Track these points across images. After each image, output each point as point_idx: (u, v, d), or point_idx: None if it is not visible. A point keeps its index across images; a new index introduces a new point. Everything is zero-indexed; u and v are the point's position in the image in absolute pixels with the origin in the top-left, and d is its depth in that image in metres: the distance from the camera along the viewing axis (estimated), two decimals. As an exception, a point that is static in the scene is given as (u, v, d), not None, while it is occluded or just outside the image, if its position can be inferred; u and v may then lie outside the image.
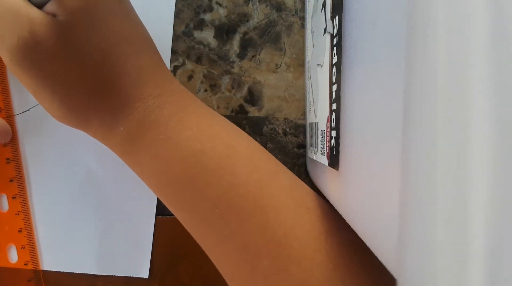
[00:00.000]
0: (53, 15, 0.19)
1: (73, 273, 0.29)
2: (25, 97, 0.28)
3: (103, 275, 0.29)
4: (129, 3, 0.23)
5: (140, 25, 0.23)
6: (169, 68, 0.29)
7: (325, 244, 0.21)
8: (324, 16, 0.21)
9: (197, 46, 0.30)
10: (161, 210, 0.29)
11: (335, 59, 0.18)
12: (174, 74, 0.29)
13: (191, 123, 0.22)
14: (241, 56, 0.30)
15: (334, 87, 0.19)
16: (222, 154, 0.21)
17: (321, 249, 0.21)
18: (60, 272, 0.29)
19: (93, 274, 0.29)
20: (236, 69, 0.30)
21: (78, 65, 0.20)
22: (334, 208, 0.24)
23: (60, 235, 0.29)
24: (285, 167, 0.25)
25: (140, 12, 0.24)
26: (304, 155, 0.31)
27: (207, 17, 0.30)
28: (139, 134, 0.22)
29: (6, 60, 0.20)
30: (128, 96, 0.21)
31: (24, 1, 0.19)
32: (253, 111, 0.30)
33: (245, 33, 0.30)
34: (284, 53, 0.30)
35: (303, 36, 0.30)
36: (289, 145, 0.31)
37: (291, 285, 0.20)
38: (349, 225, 0.22)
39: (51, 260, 0.29)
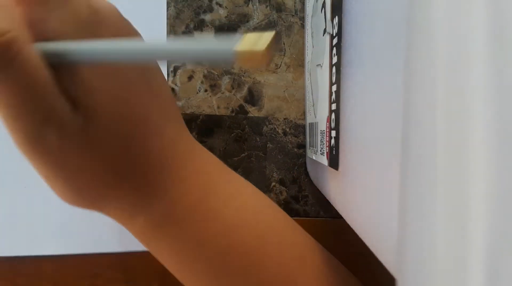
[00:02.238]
0: (74, 102, 0.16)
1: (75, 269, 0.29)
2: None
3: (103, 275, 0.29)
4: (154, 68, 0.20)
5: (164, 90, 0.20)
6: (167, 69, 0.29)
7: None
8: (324, 17, 0.21)
9: (197, 46, 0.30)
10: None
11: (334, 59, 0.18)
12: (174, 75, 0.29)
13: (217, 212, 0.20)
14: (241, 56, 0.30)
15: (334, 87, 0.19)
16: (251, 247, 0.20)
17: None
18: (61, 269, 0.29)
19: (93, 274, 0.29)
20: (236, 69, 0.30)
21: (98, 157, 0.17)
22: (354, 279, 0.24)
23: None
24: (309, 242, 0.24)
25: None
26: (304, 155, 0.31)
27: (207, 17, 0.30)
28: (161, 230, 0.20)
29: (19, 145, 0.17)
30: (150, 185, 0.19)
31: (53, 88, 0.15)
32: (253, 111, 0.30)
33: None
34: (284, 53, 0.30)
35: (303, 37, 0.30)
36: (289, 145, 0.31)
37: None
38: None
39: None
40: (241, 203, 0.21)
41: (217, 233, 0.20)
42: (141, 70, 0.18)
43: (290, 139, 0.31)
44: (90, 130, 0.17)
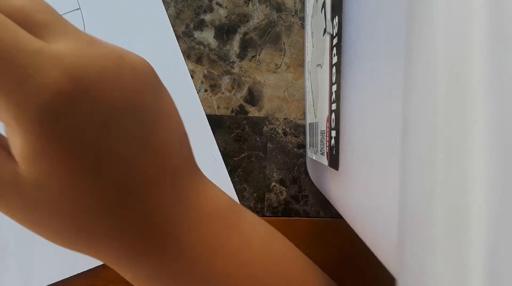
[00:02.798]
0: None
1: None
2: None
3: (103, 275, 0.29)
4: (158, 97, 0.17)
5: (172, 123, 0.18)
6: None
7: None
8: (324, 17, 0.21)
9: (197, 46, 0.30)
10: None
11: (335, 60, 0.18)
12: (174, 75, 0.29)
13: (219, 271, 0.18)
14: (241, 56, 0.30)
15: (334, 87, 0.19)
16: None
17: None
18: (60, 272, 0.29)
19: (93, 274, 0.29)
20: (236, 69, 0.30)
21: (93, 205, 0.15)
22: None
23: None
24: (326, 279, 0.22)
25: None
26: (304, 155, 0.31)
27: (207, 17, 0.30)
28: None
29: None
30: (151, 242, 0.17)
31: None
32: (253, 111, 0.30)
33: (245, 34, 0.30)
34: (284, 53, 0.30)
35: (303, 37, 0.30)
36: (289, 145, 0.31)
37: None
38: None
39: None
40: (248, 257, 0.19)
41: None
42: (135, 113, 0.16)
43: (290, 139, 0.31)
44: (45, 188, 0.14)
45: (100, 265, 0.29)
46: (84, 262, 0.29)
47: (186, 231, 0.18)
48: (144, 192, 0.16)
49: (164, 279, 0.18)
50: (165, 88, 0.18)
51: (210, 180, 0.20)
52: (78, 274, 0.29)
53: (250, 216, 0.21)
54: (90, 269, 0.29)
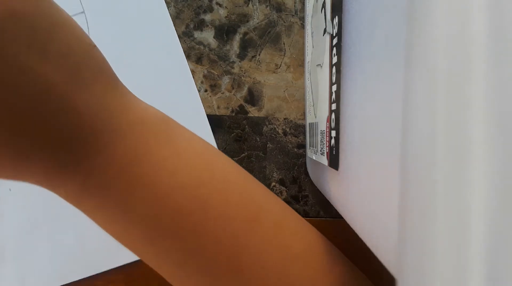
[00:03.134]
0: None
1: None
2: None
3: (103, 275, 0.29)
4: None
5: (70, 33, 0.17)
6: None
7: None
8: (324, 17, 0.21)
9: (197, 46, 0.30)
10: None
11: (334, 60, 0.18)
12: (174, 75, 0.29)
13: (145, 179, 0.18)
14: (241, 56, 0.30)
15: (334, 87, 0.19)
16: (188, 211, 0.18)
17: None
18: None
19: (93, 274, 0.29)
20: (236, 70, 0.30)
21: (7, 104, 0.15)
22: (329, 243, 0.23)
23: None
24: (270, 197, 0.22)
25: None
26: (304, 155, 0.31)
27: (207, 17, 0.30)
28: (83, 200, 0.18)
29: None
30: (61, 158, 0.17)
31: None
32: (253, 111, 0.30)
33: (245, 34, 0.30)
34: (284, 53, 0.30)
35: (303, 37, 0.30)
36: (289, 145, 0.31)
37: None
38: (339, 257, 0.21)
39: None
40: (178, 166, 0.19)
41: (145, 199, 0.18)
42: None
43: (290, 139, 0.31)
44: None
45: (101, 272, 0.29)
46: (81, 270, 0.29)
47: (110, 141, 0.18)
48: (57, 102, 0.16)
49: (93, 192, 0.18)
50: (55, 3, 0.17)
51: (137, 98, 0.20)
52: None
53: (188, 133, 0.20)
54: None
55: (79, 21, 0.28)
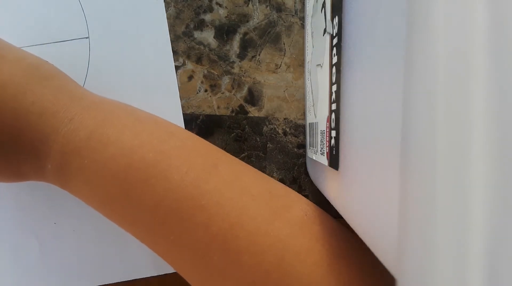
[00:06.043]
0: None
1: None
2: None
3: (103, 275, 0.29)
4: None
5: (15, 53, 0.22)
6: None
7: (272, 226, 0.21)
8: (324, 17, 0.21)
9: (197, 46, 0.30)
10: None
11: (335, 59, 0.18)
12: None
13: (112, 138, 0.21)
14: (241, 56, 0.30)
15: (334, 87, 0.19)
16: (151, 162, 0.21)
17: (269, 232, 0.21)
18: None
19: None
20: (236, 70, 0.30)
21: None
22: (284, 186, 0.25)
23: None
24: (228, 156, 0.25)
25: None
26: (304, 155, 0.31)
27: (207, 17, 0.30)
28: (66, 166, 0.21)
29: None
30: (39, 133, 0.21)
31: None
32: (253, 111, 0.30)
33: (245, 34, 0.30)
34: (284, 53, 0.30)
35: (303, 37, 0.30)
36: (289, 145, 0.31)
37: (245, 274, 0.20)
38: (298, 202, 0.23)
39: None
40: (140, 129, 0.22)
41: (114, 155, 0.21)
42: None
43: (290, 139, 0.31)
44: None
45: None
46: (84, 282, 0.29)
47: (77, 113, 0.21)
48: (15, 96, 0.21)
49: (70, 164, 0.21)
50: None
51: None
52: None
53: (147, 114, 0.24)
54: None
55: (82, 45, 0.28)
